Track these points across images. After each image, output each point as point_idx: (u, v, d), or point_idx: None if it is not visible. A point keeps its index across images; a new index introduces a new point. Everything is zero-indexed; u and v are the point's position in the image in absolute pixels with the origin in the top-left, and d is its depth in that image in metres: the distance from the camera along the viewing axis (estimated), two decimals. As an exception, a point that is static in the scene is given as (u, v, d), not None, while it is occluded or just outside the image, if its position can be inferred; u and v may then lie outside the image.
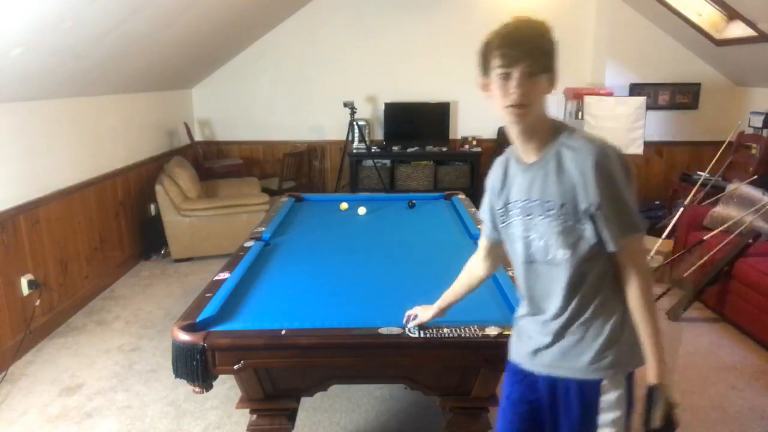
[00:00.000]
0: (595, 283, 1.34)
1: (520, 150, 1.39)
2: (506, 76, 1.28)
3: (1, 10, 2.34)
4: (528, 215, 1.38)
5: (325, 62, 6.18)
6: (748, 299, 3.36)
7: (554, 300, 1.37)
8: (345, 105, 5.74)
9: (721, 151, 4.60)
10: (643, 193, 6.04)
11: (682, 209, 4.25)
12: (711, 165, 4.63)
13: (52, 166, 3.62)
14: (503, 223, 1.47)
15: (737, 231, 3.72)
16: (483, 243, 1.67)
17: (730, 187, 4.12)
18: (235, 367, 1.71)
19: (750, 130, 5.06)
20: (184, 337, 1.70)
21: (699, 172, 4.97)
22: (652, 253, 4.18)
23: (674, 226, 4.25)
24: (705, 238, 3.81)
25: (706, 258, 3.69)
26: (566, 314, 1.37)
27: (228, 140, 6.41)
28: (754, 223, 3.69)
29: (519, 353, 1.49)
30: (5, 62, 2.75)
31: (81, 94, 3.96)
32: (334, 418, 2.61)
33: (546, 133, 1.36)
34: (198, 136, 6.30)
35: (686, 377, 2.95)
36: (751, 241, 3.49)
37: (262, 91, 6.24)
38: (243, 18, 5.06)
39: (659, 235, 4.31)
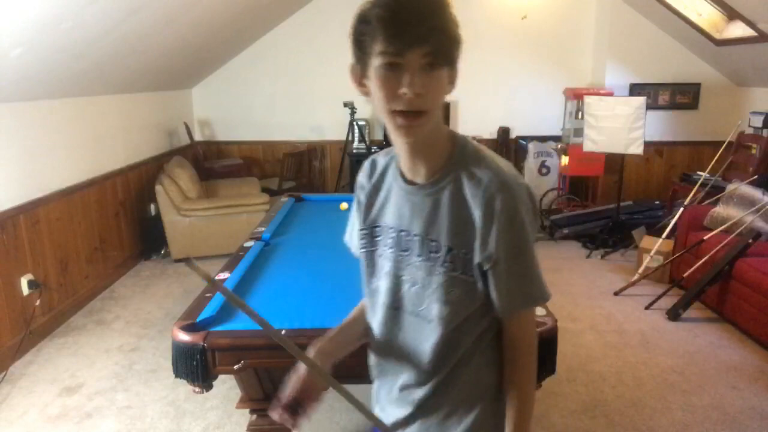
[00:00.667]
0: (471, 348, 1.05)
1: (405, 166, 1.04)
2: (395, 68, 0.89)
3: (1, 10, 2.34)
4: (404, 251, 1.05)
5: (325, 62, 6.17)
6: (748, 299, 3.36)
7: (419, 363, 1.06)
8: (345, 105, 5.74)
9: (721, 151, 4.61)
10: (643, 193, 6.05)
11: (682, 209, 4.25)
12: (711, 165, 4.64)
13: (52, 166, 3.62)
14: (363, 248, 1.12)
15: (737, 231, 3.72)
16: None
17: (730, 187, 4.12)
18: (235, 367, 1.71)
19: (750, 130, 5.06)
20: (184, 337, 1.70)
21: (699, 172, 4.97)
22: (652, 253, 4.19)
23: (674, 226, 4.25)
24: (705, 238, 3.81)
25: (706, 258, 3.69)
26: (432, 383, 1.06)
27: (228, 140, 6.41)
28: (754, 223, 3.69)
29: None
30: (5, 62, 2.75)
31: (81, 94, 3.96)
32: (334, 418, 2.61)
33: (443, 149, 1.01)
34: (198, 136, 6.30)
35: (686, 377, 2.95)
36: (751, 241, 3.49)
37: (262, 91, 6.24)
38: (243, 18, 5.06)
39: (659, 235, 4.32)
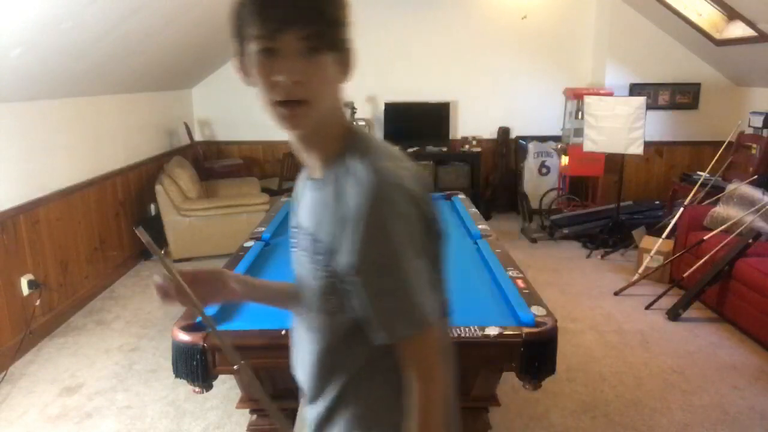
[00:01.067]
0: (366, 369, 0.93)
1: (303, 160, 0.99)
2: (271, 54, 0.82)
3: (1, 10, 2.34)
4: (302, 250, 1.00)
5: (325, 62, 6.17)
6: (748, 299, 3.36)
7: (308, 377, 1.00)
8: (345, 105, 5.73)
9: (721, 151, 4.61)
10: (643, 193, 6.05)
11: (682, 209, 4.25)
12: (711, 165, 4.64)
13: (52, 166, 3.62)
14: (291, 248, 1.10)
15: (737, 231, 3.72)
16: None
17: (730, 187, 4.12)
18: (235, 367, 1.71)
19: (750, 130, 5.06)
20: (184, 337, 1.70)
21: (699, 172, 4.97)
22: (652, 253, 4.19)
23: (674, 226, 4.25)
24: (705, 238, 3.81)
25: (706, 258, 3.69)
26: (322, 402, 0.98)
27: (228, 140, 6.41)
28: (754, 223, 3.69)
29: None
30: (5, 62, 2.75)
31: (81, 94, 3.96)
32: (334, 418, 2.61)
33: (336, 142, 0.93)
34: (198, 136, 6.30)
35: (686, 377, 2.95)
36: (751, 241, 3.49)
37: (262, 91, 6.23)
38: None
39: (659, 235, 4.32)
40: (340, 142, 0.92)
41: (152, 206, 4.96)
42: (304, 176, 1.04)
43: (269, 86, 0.84)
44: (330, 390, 0.95)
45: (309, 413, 1.01)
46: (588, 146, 4.99)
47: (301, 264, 1.00)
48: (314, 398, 0.99)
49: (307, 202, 0.99)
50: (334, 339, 0.92)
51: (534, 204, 5.86)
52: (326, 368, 0.95)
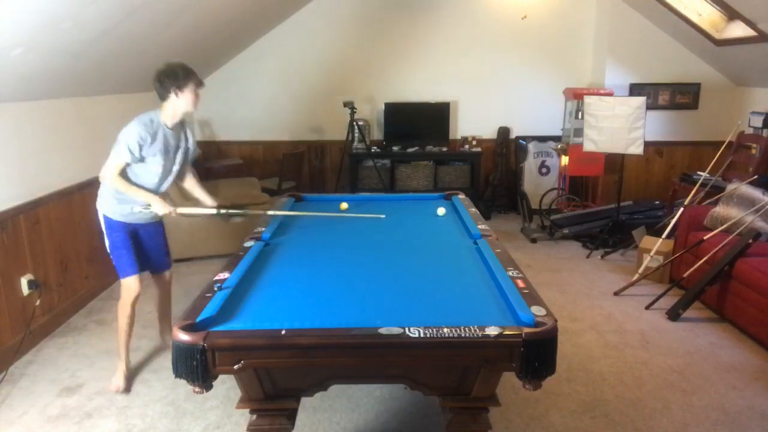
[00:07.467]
0: None
1: (171, 119, 2.79)
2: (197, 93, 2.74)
3: (1, 10, 2.34)
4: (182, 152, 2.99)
5: (325, 62, 6.18)
6: (748, 299, 3.36)
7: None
8: (345, 105, 5.74)
9: (721, 151, 4.61)
10: (643, 193, 6.05)
11: (682, 209, 4.25)
12: (711, 165, 4.64)
13: (52, 166, 3.62)
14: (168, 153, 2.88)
15: (737, 231, 3.72)
16: None
17: (730, 187, 4.12)
18: (235, 367, 1.71)
19: (750, 130, 5.06)
20: (184, 337, 1.70)
21: (699, 172, 4.97)
22: (652, 253, 4.19)
23: (674, 226, 4.25)
24: (705, 238, 3.81)
25: (706, 258, 3.69)
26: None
27: (228, 140, 6.41)
28: (754, 223, 3.69)
29: None
30: (5, 62, 2.75)
31: (81, 94, 3.96)
32: (334, 418, 2.61)
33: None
34: (198, 136, 6.29)
35: (686, 377, 2.95)
36: (751, 241, 3.49)
37: (262, 91, 6.24)
38: (243, 18, 5.06)
39: (659, 235, 4.32)
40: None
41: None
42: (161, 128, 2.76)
43: (196, 101, 2.76)
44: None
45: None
46: (588, 146, 4.99)
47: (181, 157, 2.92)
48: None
49: (172, 137, 2.82)
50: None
51: (534, 204, 5.86)
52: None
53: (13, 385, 2.95)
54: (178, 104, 2.73)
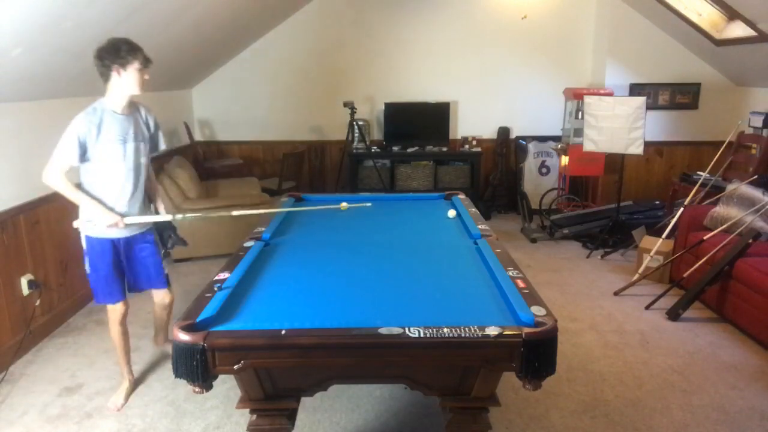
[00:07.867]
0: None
1: (122, 104, 2.58)
2: (143, 72, 2.45)
3: (1, 10, 2.34)
4: (140, 141, 2.70)
5: (325, 62, 6.18)
6: (748, 299, 3.36)
7: (139, 190, 2.76)
8: (345, 105, 5.74)
9: (721, 151, 4.61)
10: (643, 193, 6.05)
11: (682, 209, 4.25)
12: (711, 165, 4.64)
13: (52, 166, 3.61)
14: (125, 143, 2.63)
15: (737, 231, 3.72)
16: None
17: (730, 187, 4.12)
18: (235, 367, 1.71)
19: (750, 130, 5.07)
20: (184, 337, 1.69)
21: (699, 172, 4.97)
22: (652, 253, 4.19)
23: (674, 226, 4.25)
24: (705, 238, 3.81)
25: (706, 258, 3.69)
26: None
27: (228, 140, 6.41)
28: (754, 223, 3.69)
29: None
30: (5, 62, 2.75)
31: (81, 94, 3.95)
32: (334, 418, 2.61)
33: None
34: (198, 136, 6.30)
35: (686, 377, 2.95)
36: (751, 241, 3.49)
37: (262, 91, 6.24)
38: (243, 18, 5.06)
39: (659, 235, 4.32)
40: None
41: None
42: (108, 113, 2.55)
43: (142, 81, 2.48)
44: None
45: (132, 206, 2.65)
46: (588, 146, 4.99)
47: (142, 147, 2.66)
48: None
49: (125, 122, 2.58)
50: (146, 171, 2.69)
51: (534, 204, 5.86)
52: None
53: (13, 385, 2.95)
54: (122, 85, 2.43)
